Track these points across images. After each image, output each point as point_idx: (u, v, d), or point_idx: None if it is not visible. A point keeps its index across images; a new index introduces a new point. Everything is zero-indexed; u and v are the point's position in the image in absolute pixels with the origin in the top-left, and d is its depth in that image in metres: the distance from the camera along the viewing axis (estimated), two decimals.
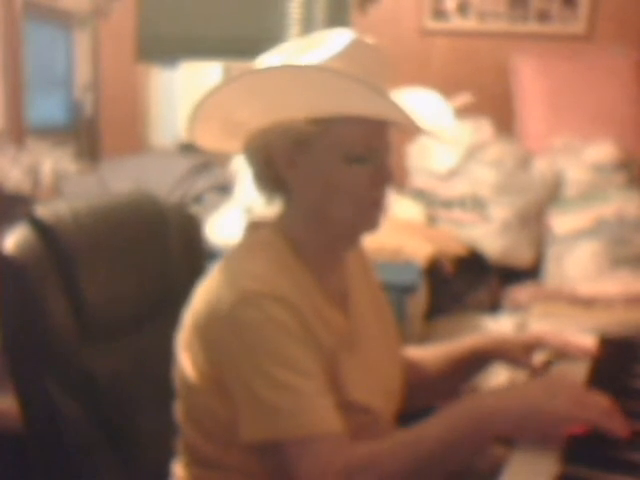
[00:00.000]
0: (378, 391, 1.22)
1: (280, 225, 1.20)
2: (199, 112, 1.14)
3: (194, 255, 1.56)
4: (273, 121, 1.13)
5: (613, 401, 1.04)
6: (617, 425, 1.01)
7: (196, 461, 1.20)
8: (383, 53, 1.17)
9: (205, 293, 1.15)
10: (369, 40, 1.16)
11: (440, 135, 1.26)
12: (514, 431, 1.04)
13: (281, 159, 1.15)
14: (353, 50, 1.13)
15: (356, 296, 1.27)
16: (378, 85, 1.09)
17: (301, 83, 1.09)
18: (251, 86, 1.11)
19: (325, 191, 1.15)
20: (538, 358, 1.35)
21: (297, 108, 1.11)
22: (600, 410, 1.01)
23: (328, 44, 1.13)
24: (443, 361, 1.40)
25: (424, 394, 1.41)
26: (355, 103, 1.09)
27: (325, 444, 1.05)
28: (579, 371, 1.31)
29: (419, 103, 1.21)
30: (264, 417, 1.06)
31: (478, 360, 1.40)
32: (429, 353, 1.43)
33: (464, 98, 1.27)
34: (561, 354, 1.35)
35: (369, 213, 1.18)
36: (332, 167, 1.14)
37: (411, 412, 1.29)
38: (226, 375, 1.10)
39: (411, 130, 1.16)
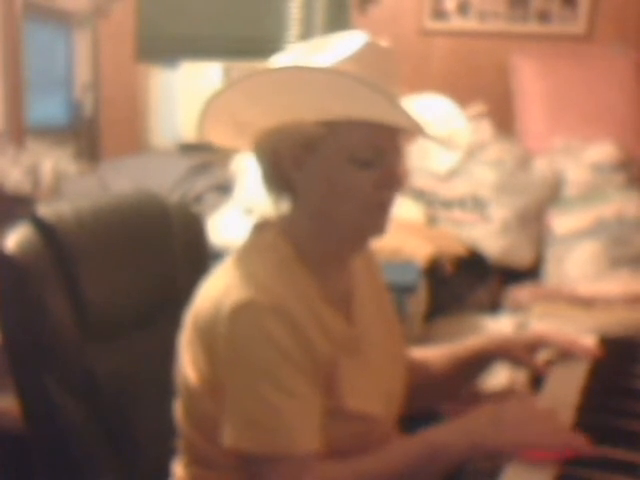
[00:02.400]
0: (379, 396, 1.22)
1: (285, 227, 1.20)
2: (207, 111, 1.14)
3: (197, 255, 1.56)
4: (281, 122, 1.13)
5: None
6: (561, 446, 1.04)
7: (196, 461, 1.21)
8: (395, 56, 1.17)
9: (207, 295, 1.15)
10: (382, 43, 1.15)
11: (448, 142, 1.26)
12: (465, 461, 1.11)
13: (288, 160, 1.14)
14: (365, 53, 1.12)
15: (360, 299, 1.26)
16: (388, 89, 1.08)
17: (309, 85, 1.08)
18: (259, 86, 1.10)
19: (331, 193, 1.14)
20: (541, 357, 1.35)
21: (305, 110, 1.11)
22: (545, 434, 1.06)
23: (340, 46, 1.12)
24: (447, 362, 1.40)
25: (428, 395, 1.41)
26: (363, 107, 1.08)
27: (293, 465, 1.08)
28: (579, 371, 1.31)
29: (430, 109, 1.20)
30: (242, 428, 1.09)
31: (481, 360, 1.39)
32: (433, 354, 1.43)
33: (477, 108, 1.28)
34: (564, 353, 1.35)
35: (374, 217, 1.17)
36: (338, 169, 1.13)
37: (414, 414, 1.29)
38: (220, 378, 1.11)
39: (419, 135, 1.15)
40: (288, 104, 1.11)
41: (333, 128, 1.11)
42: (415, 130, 1.11)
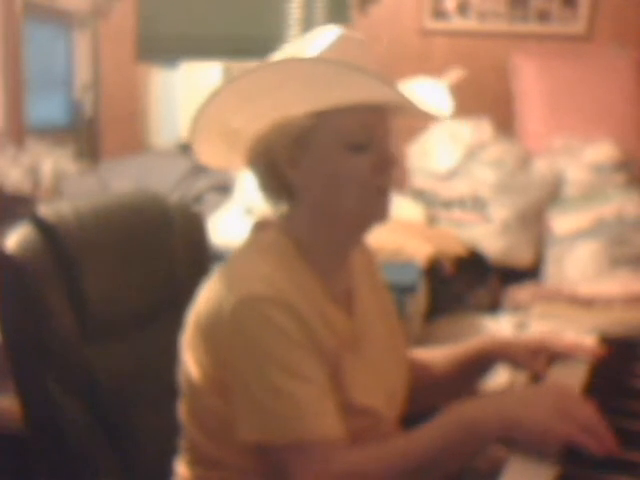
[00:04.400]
0: (381, 393, 1.22)
1: (285, 226, 1.20)
2: (198, 125, 1.15)
3: (198, 255, 1.56)
4: (270, 122, 1.14)
5: (602, 413, 1.03)
6: (594, 442, 0.99)
7: (199, 460, 1.21)
8: (369, 47, 1.18)
9: (210, 293, 1.15)
10: (355, 35, 1.17)
11: (437, 116, 1.26)
12: (498, 440, 1.06)
13: (283, 160, 1.15)
14: (339, 45, 1.13)
15: (361, 296, 1.27)
16: (369, 71, 1.09)
17: (293, 78, 1.10)
18: (245, 89, 1.11)
19: (330, 184, 1.15)
20: (541, 359, 1.35)
21: (292, 104, 1.12)
22: (579, 424, 1.00)
23: (316, 40, 1.14)
24: (449, 362, 1.40)
25: (430, 395, 1.41)
26: (349, 90, 1.10)
27: (318, 450, 1.06)
28: (579, 371, 1.31)
29: (414, 88, 1.21)
30: (260, 419, 1.08)
31: (483, 362, 1.39)
32: (435, 354, 1.43)
33: (456, 74, 1.28)
34: (564, 356, 1.35)
35: (376, 201, 1.17)
36: (334, 158, 1.14)
37: (416, 414, 1.29)
38: (227, 375, 1.10)
39: (409, 112, 1.16)
40: (275, 101, 1.12)
41: (323, 117, 1.12)
42: (402, 103, 1.12)
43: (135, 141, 3.94)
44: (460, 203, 3.04)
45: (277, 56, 1.17)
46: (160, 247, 1.50)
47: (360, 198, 1.15)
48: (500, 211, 2.96)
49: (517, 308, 2.60)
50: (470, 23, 3.58)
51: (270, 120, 1.14)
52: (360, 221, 1.20)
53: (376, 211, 1.19)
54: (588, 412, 1.03)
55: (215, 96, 1.12)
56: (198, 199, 3.19)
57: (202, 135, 1.17)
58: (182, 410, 1.22)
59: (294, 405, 1.06)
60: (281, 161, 1.15)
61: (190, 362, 1.17)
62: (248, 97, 1.12)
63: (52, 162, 3.36)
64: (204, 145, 1.19)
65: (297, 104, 1.12)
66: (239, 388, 1.09)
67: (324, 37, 1.14)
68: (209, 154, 1.22)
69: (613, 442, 1.00)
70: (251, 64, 1.14)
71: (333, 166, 1.14)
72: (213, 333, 1.12)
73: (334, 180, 1.15)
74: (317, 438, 1.06)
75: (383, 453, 1.08)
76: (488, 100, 3.16)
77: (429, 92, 1.25)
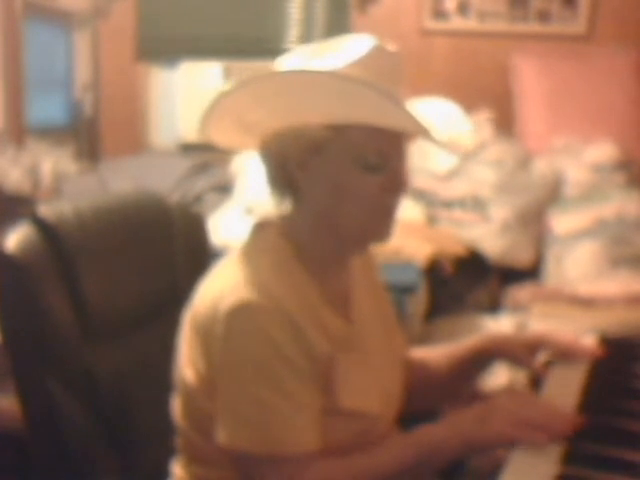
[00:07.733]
0: (377, 395, 1.22)
1: (286, 227, 1.20)
2: (212, 111, 1.13)
3: (199, 255, 1.56)
4: (287, 124, 1.13)
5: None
6: (551, 439, 1.05)
7: (195, 460, 1.21)
8: (401, 60, 1.16)
9: (206, 294, 1.15)
10: (389, 47, 1.15)
11: (454, 147, 1.26)
12: (457, 459, 1.14)
13: (294, 161, 1.14)
14: (372, 57, 1.11)
15: (358, 299, 1.26)
16: (394, 94, 1.08)
17: (316, 88, 1.08)
18: (266, 89, 1.10)
19: (335, 196, 1.14)
20: (540, 358, 1.35)
21: (311, 113, 1.11)
22: (533, 426, 1.06)
23: (347, 50, 1.12)
24: (447, 361, 1.40)
25: (428, 395, 1.41)
26: (369, 111, 1.08)
27: (290, 465, 1.09)
28: (579, 371, 1.31)
29: (435, 112, 1.20)
30: (237, 427, 1.09)
31: (481, 359, 1.39)
32: (433, 354, 1.43)
33: (483, 115, 1.27)
34: (563, 354, 1.35)
35: (379, 221, 1.17)
36: (344, 173, 1.13)
37: (414, 414, 1.29)
38: (216, 377, 1.11)
39: (426, 140, 1.15)
40: (295, 107, 1.11)
41: (339, 131, 1.11)
42: (421, 135, 1.11)
43: (135, 141, 3.94)
44: (460, 203, 3.04)
45: (299, 55, 1.15)
46: (160, 247, 1.50)
47: (364, 215, 1.15)
48: (500, 211, 2.96)
49: (517, 308, 2.60)
50: (470, 23, 3.58)
51: (287, 122, 1.13)
52: (360, 237, 1.19)
53: (378, 230, 1.19)
54: (539, 412, 1.10)
55: (234, 91, 1.11)
56: (198, 199, 3.19)
57: (214, 120, 1.15)
58: (177, 409, 1.22)
59: (272, 417, 1.08)
60: (291, 161, 1.14)
61: (185, 362, 1.17)
62: (266, 97, 1.11)
63: (52, 162, 3.36)
64: (215, 127, 1.17)
65: (315, 114, 1.11)
66: (222, 392, 1.10)
67: (357, 46, 1.12)
68: (220, 135, 1.20)
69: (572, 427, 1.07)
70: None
71: (342, 180, 1.13)
72: (207, 335, 1.12)
73: (340, 193, 1.14)
74: (290, 453, 1.08)
75: (348, 469, 1.11)
76: (488, 100, 3.16)
77: (448, 118, 1.24)
